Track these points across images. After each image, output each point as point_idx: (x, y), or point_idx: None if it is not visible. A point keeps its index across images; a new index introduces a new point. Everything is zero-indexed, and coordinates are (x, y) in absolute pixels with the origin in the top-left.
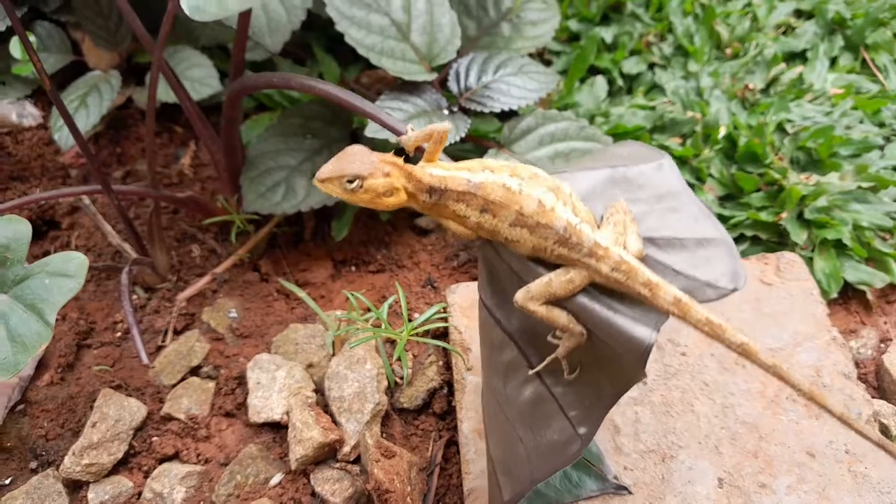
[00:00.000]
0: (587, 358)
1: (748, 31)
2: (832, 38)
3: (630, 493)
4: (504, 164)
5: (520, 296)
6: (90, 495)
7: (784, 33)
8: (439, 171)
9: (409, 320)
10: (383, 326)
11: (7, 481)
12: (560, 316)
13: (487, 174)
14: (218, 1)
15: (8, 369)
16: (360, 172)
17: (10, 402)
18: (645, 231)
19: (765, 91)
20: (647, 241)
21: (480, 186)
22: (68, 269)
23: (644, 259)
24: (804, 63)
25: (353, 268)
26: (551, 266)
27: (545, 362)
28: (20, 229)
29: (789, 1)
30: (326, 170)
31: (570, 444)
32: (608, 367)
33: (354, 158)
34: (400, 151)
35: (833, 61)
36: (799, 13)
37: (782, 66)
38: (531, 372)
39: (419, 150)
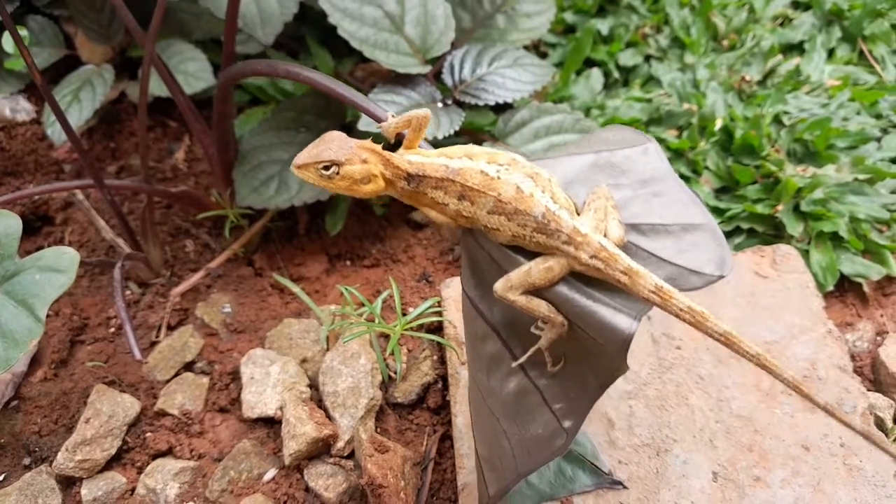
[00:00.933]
0: (571, 349)
1: (745, 23)
2: (830, 30)
3: (625, 487)
4: (484, 150)
5: (499, 286)
6: (83, 491)
7: (781, 24)
8: (417, 157)
9: (404, 314)
10: (377, 321)
11: (0, 478)
12: (540, 306)
13: (465, 161)
14: None
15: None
16: (337, 158)
17: (3, 398)
18: (629, 217)
19: (762, 83)
20: (630, 227)
21: (458, 173)
22: (60, 264)
23: (627, 246)
24: (801, 54)
25: (348, 262)
26: (531, 255)
27: (528, 354)
28: (10, 224)
29: None
30: (303, 156)
31: (555, 438)
32: (592, 359)
33: (331, 144)
34: (381, 139)
35: (830, 52)
36: (796, 4)
37: (779, 57)
38: (514, 364)
39: (401, 137)
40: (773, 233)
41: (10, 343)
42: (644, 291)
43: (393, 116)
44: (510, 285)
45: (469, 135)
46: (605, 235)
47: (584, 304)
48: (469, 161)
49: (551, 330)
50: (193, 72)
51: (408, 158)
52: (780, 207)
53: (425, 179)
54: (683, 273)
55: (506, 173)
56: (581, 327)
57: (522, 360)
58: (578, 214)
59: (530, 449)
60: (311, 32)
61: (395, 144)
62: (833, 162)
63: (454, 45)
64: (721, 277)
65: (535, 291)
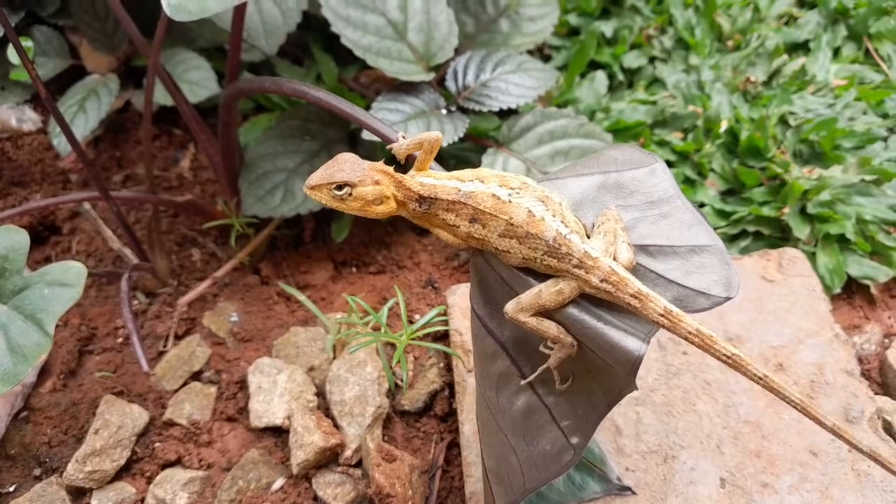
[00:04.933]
0: (579, 368)
1: (750, 23)
2: (835, 28)
3: (633, 493)
4: (495, 173)
5: (510, 307)
6: (93, 502)
7: (786, 24)
8: (429, 179)
9: (410, 322)
10: (383, 330)
11: (11, 488)
12: (550, 327)
13: (477, 184)
14: (198, 0)
15: (8, 380)
16: (350, 180)
17: (13, 409)
18: (637, 238)
19: (767, 83)
20: (638, 248)
21: (470, 196)
22: (67, 278)
23: (635, 268)
24: (807, 54)
25: (354, 269)
26: (542, 276)
27: (536, 373)
28: (18, 239)
29: None
30: (316, 177)
31: (563, 455)
32: (600, 377)
33: (344, 166)
34: (393, 159)
35: (836, 52)
36: (801, 3)
37: (784, 57)
38: (523, 382)
39: (411, 158)
40: (780, 235)
41: (19, 358)
42: (653, 315)
43: (403, 137)
44: (520, 307)
45: (473, 140)
46: (614, 259)
47: (594, 325)
48: (481, 184)
49: (561, 350)
50: (197, 80)
51: (420, 181)
52: (786, 210)
53: (437, 202)
54: (691, 294)
55: (517, 197)
56: (590, 348)
57: (531, 378)
58: (588, 237)
59: (538, 465)
60: (315, 39)
61: (406, 164)
62: (839, 163)
63: (458, 51)
64: (728, 299)
65: (546, 313)
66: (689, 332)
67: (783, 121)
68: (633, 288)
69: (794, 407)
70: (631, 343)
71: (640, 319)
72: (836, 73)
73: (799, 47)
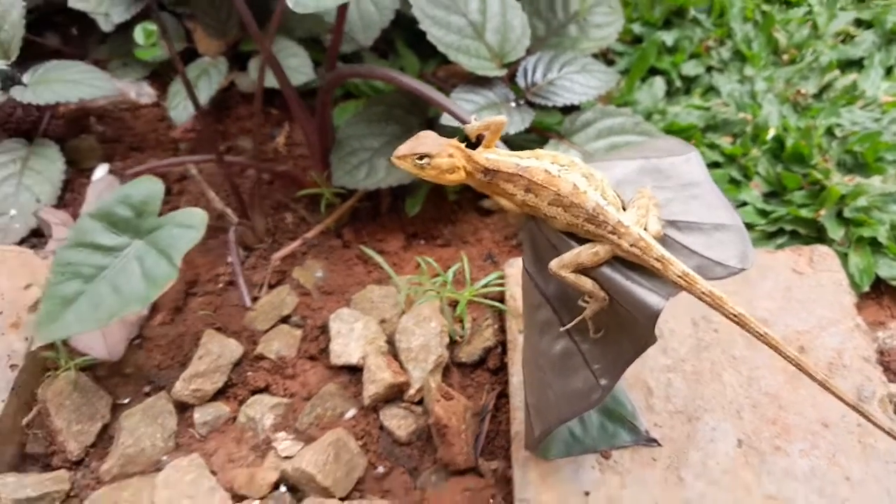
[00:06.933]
0: (610, 321)
1: (806, 39)
2: (889, 48)
3: (659, 445)
4: (549, 153)
5: (553, 264)
6: (196, 416)
7: (843, 41)
8: (493, 155)
9: (471, 285)
10: (448, 287)
11: (126, 401)
12: (586, 283)
13: (533, 161)
14: None
15: (141, 301)
16: (429, 152)
17: (130, 335)
18: (668, 215)
19: (817, 96)
20: (669, 223)
21: (526, 170)
22: (191, 221)
23: (664, 239)
24: (860, 71)
25: (423, 241)
26: (582, 240)
27: (574, 321)
28: (154, 188)
29: (850, 10)
30: (402, 148)
31: (592, 393)
32: (628, 329)
33: (426, 141)
34: (465, 138)
35: (888, 70)
36: (859, 22)
37: (836, 72)
38: (562, 329)
39: (480, 138)
40: (815, 236)
41: (150, 284)
42: (673, 276)
43: (476, 120)
44: (563, 264)
45: (538, 132)
46: (644, 229)
47: (623, 283)
48: (535, 161)
49: (594, 303)
50: (296, 66)
51: (486, 156)
52: (822, 212)
53: (499, 174)
54: (710, 264)
55: (565, 172)
56: (619, 302)
57: (570, 326)
58: (624, 210)
59: (571, 400)
60: (399, 36)
61: (475, 143)
62: (881, 173)
63: (529, 52)
64: (742, 270)
65: (583, 271)
66: (703, 293)
67: (830, 132)
68: (657, 252)
69: (788, 360)
70: (653, 299)
71: (663, 282)
72: (886, 91)
73: (853, 64)
